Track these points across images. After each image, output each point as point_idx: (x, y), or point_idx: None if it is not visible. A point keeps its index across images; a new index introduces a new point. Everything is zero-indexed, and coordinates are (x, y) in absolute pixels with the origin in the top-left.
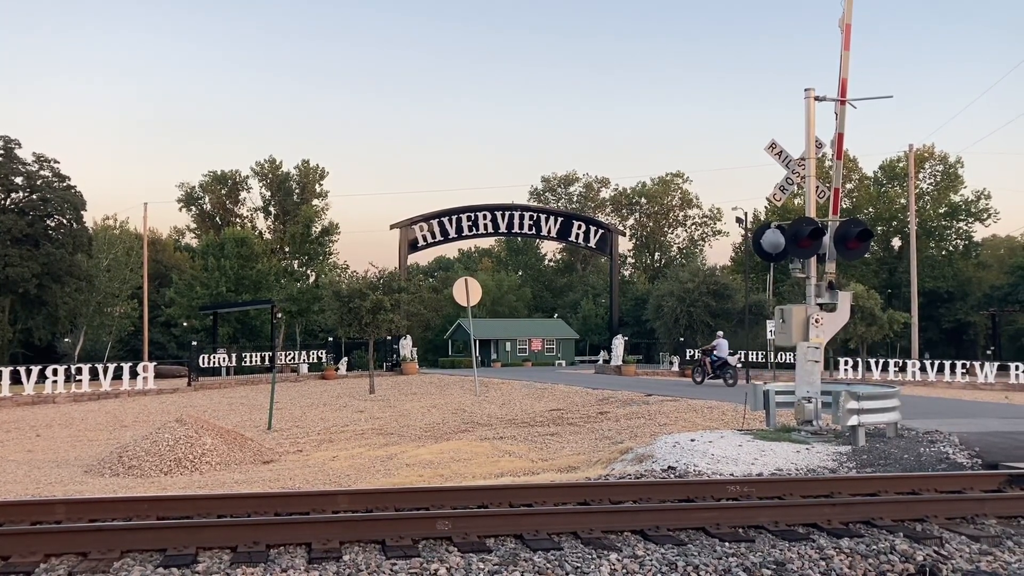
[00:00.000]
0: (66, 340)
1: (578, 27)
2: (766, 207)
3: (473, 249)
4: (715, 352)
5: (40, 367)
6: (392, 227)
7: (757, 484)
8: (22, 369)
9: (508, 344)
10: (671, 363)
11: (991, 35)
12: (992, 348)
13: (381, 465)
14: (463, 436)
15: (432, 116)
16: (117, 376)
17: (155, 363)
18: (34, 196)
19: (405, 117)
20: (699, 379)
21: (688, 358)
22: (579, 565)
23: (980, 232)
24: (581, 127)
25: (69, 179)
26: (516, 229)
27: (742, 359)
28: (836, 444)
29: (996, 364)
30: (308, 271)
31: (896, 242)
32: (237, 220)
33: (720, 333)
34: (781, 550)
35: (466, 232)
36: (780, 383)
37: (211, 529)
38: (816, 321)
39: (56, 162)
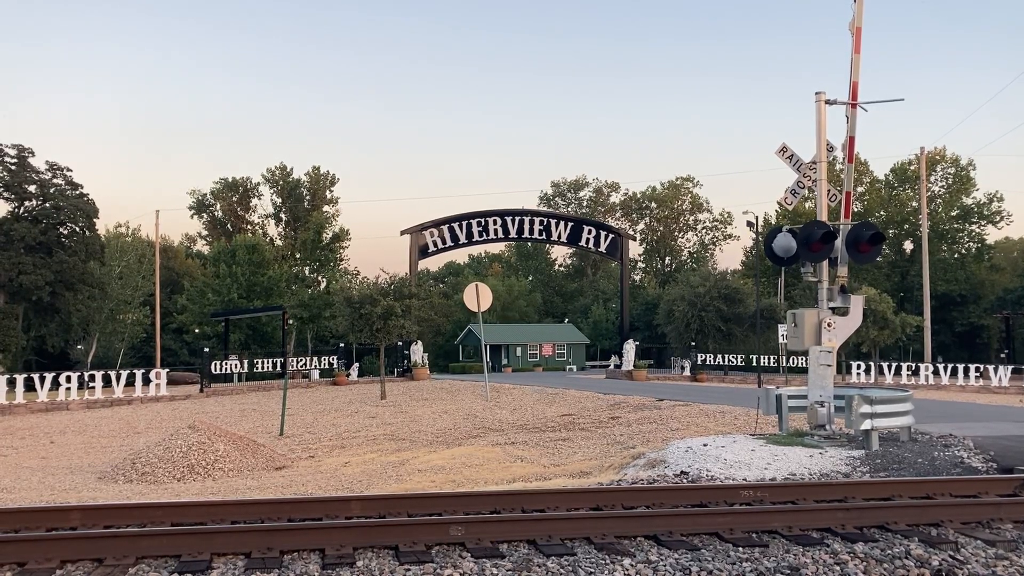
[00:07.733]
0: (79, 347)
1: (587, 32)
2: (777, 211)
3: (483, 254)
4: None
5: (53, 374)
6: (403, 233)
7: (770, 489)
8: (36, 376)
9: (519, 349)
10: (683, 368)
11: (1003, 38)
12: (1006, 351)
13: (393, 471)
14: (475, 441)
15: (442, 122)
16: (130, 383)
17: (167, 370)
18: (47, 204)
19: (415, 123)
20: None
21: (700, 362)
22: (592, 570)
23: (993, 235)
24: (591, 132)
25: (81, 187)
26: (526, 234)
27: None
28: (849, 448)
29: (1010, 367)
30: (319, 277)
31: (908, 245)
32: (248, 227)
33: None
34: (795, 555)
35: (476, 237)
36: (792, 387)
37: (225, 535)
38: (828, 325)
39: (69, 170)
